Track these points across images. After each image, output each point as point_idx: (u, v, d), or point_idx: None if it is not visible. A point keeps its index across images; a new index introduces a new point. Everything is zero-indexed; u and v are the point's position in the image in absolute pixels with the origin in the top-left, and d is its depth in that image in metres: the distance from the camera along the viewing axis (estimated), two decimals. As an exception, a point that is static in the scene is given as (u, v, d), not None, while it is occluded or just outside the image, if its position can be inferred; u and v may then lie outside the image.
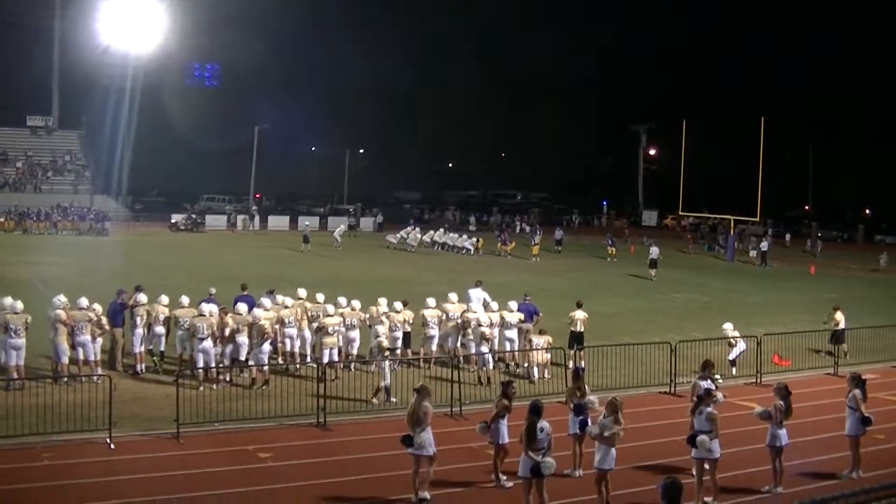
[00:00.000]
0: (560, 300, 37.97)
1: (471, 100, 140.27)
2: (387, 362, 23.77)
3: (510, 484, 17.67)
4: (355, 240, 73.82)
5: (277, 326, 26.10)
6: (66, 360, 23.94)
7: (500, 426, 17.89)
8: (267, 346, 24.79)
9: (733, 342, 28.26)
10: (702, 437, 16.92)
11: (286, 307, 27.21)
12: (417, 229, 74.34)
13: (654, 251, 56.13)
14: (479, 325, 26.80)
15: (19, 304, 24.18)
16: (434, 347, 27.90)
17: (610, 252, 66.54)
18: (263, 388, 24.05)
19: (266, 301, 26.89)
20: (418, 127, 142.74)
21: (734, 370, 27.90)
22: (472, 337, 27.25)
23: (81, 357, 24.28)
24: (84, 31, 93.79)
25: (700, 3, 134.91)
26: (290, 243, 69.48)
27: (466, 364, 26.55)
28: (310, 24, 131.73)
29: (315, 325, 26.80)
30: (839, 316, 32.11)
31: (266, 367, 24.58)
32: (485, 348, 26.37)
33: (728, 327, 28.60)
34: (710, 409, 17.33)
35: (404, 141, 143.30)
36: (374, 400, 23.38)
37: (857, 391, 19.25)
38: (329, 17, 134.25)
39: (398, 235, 71.93)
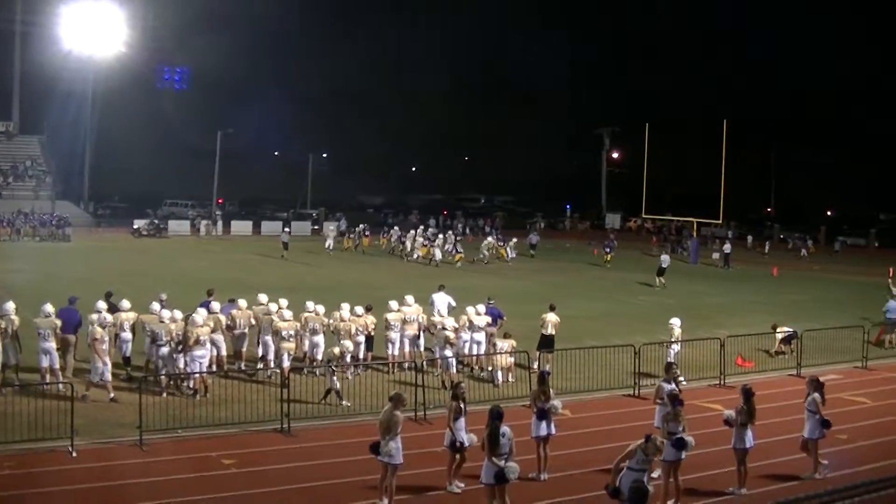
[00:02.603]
0: (524, 303, 38.05)
1: (435, 102, 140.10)
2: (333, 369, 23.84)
3: (462, 484, 17.79)
4: (316, 244, 73.23)
5: (216, 333, 25.83)
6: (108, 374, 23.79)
7: (456, 429, 17.88)
8: (200, 352, 24.30)
9: (676, 337, 27.98)
10: (690, 439, 17.19)
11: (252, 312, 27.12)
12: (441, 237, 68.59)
13: (665, 259, 55.32)
14: (444, 329, 26.78)
15: None
16: (396, 352, 27.89)
17: (606, 258, 64.73)
18: (201, 396, 23.73)
19: (202, 310, 26.52)
20: (383, 129, 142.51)
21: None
22: (436, 340, 27.24)
23: (46, 364, 23.96)
24: (46, 36, 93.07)
25: (665, 5, 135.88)
26: (253, 249, 69.26)
27: (431, 368, 26.49)
28: (273, 28, 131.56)
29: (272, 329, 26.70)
30: (782, 329, 32.39)
31: (202, 375, 24.18)
32: (449, 352, 26.36)
33: (675, 323, 28.32)
34: (680, 409, 17.54)
35: (368, 144, 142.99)
36: (326, 401, 23.49)
37: (816, 395, 19.36)
38: (293, 20, 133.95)
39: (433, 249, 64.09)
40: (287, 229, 73.42)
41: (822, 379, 20.13)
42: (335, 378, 23.75)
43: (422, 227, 78.23)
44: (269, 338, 26.57)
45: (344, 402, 23.48)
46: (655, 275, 53.72)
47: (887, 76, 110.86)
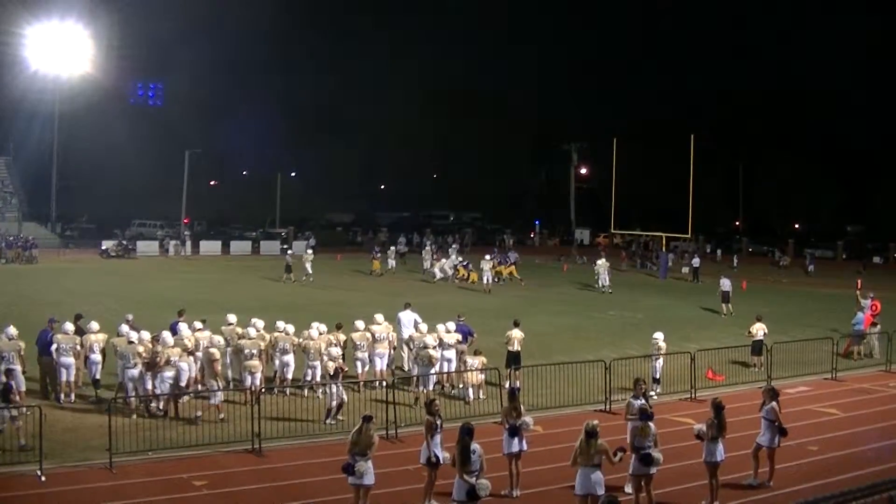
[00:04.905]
0: (493, 320, 38.11)
1: (404, 119, 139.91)
2: (336, 385, 23.70)
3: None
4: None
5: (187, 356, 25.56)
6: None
7: (432, 445, 17.85)
8: (168, 374, 24.13)
9: (661, 350, 28.16)
10: (658, 455, 17.20)
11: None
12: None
13: (726, 283, 49.79)
14: (426, 347, 26.71)
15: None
16: (361, 370, 27.82)
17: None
18: (171, 418, 23.59)
19: (169, 333, 26.11)
20: (351, 147, 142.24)
21: (658, 388, 27.70)
22: (417, 359, 27.13)
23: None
24: (11, 56, 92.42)
25: (630, 21, 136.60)
26: (222, 269, 68.91)
27: (405, 386, 26.42)
28: (241, 47, 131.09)
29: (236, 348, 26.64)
30: (756, 327, 32.58)
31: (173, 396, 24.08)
32: (432, 370, 26.28)
33: (659, 337, 28.38)
34: (652, 425, 17.59)
35: (337, 162, 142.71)
36: (331, 421, 23.50)
37: (774, 403, 19.58)
38: (261, 39, 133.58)
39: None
40: (290, 251, 69.16)
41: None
42: (341, 391, 23.79)
43: (430, 243, 76.55)
44: (237, 357, 26.54)
45: (329, 421, 23.44)
46: (721, 301, 49.33)
47: (858, 86, 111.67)
